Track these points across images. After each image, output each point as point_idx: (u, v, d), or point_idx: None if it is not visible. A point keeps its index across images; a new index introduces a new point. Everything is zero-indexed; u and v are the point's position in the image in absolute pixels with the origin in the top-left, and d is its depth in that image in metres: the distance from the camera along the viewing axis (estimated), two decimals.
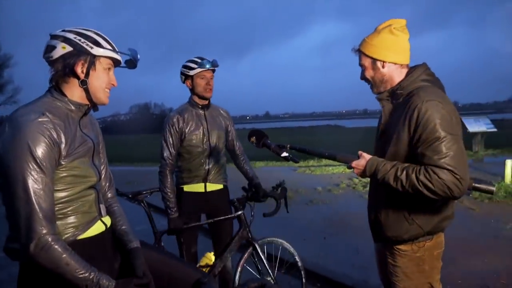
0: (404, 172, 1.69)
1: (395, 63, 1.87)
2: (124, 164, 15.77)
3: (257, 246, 2.72)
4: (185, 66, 2.81)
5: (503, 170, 7.24)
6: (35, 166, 1.33)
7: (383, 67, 1.88)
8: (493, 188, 1.85)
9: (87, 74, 1.51)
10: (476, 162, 10.91)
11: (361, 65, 1.96)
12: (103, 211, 1.65)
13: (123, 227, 1.72)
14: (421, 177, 1.65)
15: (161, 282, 1.68)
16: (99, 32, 1.56)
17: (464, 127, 12.54)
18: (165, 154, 2.77)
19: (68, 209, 1.48)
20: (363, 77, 1.98)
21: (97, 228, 1.58)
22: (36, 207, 1.32)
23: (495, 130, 12.95)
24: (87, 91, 1.53)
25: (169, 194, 2.75)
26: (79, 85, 1.51)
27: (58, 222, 1.43)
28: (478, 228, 5.04)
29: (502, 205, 6.07)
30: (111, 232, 1.69)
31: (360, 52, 1.94)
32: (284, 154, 2.17)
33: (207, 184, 2.87)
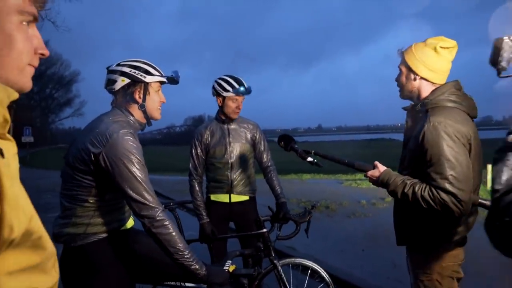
0: (411, 189, 1.79)
1: (427, 80, 1.90)
2: (176, 174, 16.53)
3: (278, 266, 2.61)
4: (219, 85, 2.90)
5: None
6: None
7: (414, 79, 1.92)
8: None
9: (144, 99, 1.85)
10: None
11: (399, 67, 2.01)
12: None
13: None
14: (425, 195, 1.74)
15: (154, 266, 1.96)
16: (147, 62, 1.88)
17: None
18: (190, 166, 3.02)
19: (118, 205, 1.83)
20: (397, 79, 2.03)
21: (130, 223, 1.95)
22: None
23: None
24: (145, 112, 1.87)
25: (195, 202, 2.97)
26: (138, 108, 1.85)
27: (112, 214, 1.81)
28: None
29: None
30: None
31: (402, 56, 1.97)
32: (309, 159, 2.27)
33: (232, 195, 2.99)
